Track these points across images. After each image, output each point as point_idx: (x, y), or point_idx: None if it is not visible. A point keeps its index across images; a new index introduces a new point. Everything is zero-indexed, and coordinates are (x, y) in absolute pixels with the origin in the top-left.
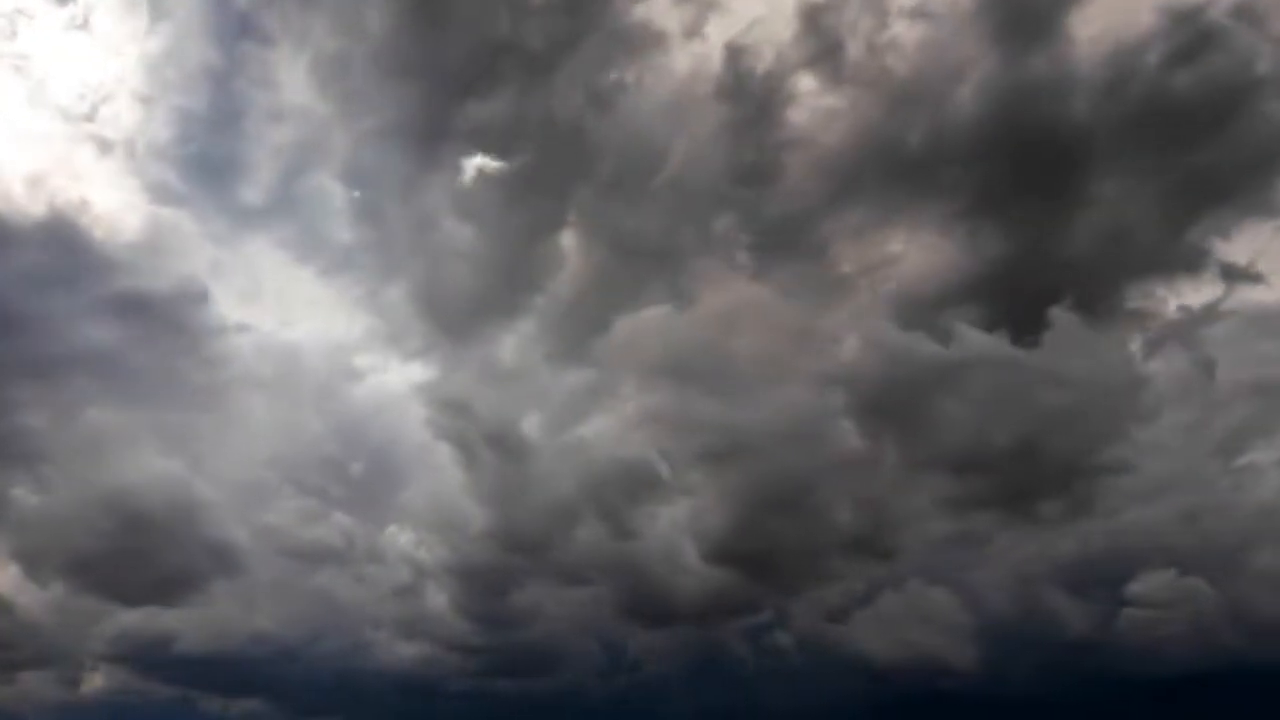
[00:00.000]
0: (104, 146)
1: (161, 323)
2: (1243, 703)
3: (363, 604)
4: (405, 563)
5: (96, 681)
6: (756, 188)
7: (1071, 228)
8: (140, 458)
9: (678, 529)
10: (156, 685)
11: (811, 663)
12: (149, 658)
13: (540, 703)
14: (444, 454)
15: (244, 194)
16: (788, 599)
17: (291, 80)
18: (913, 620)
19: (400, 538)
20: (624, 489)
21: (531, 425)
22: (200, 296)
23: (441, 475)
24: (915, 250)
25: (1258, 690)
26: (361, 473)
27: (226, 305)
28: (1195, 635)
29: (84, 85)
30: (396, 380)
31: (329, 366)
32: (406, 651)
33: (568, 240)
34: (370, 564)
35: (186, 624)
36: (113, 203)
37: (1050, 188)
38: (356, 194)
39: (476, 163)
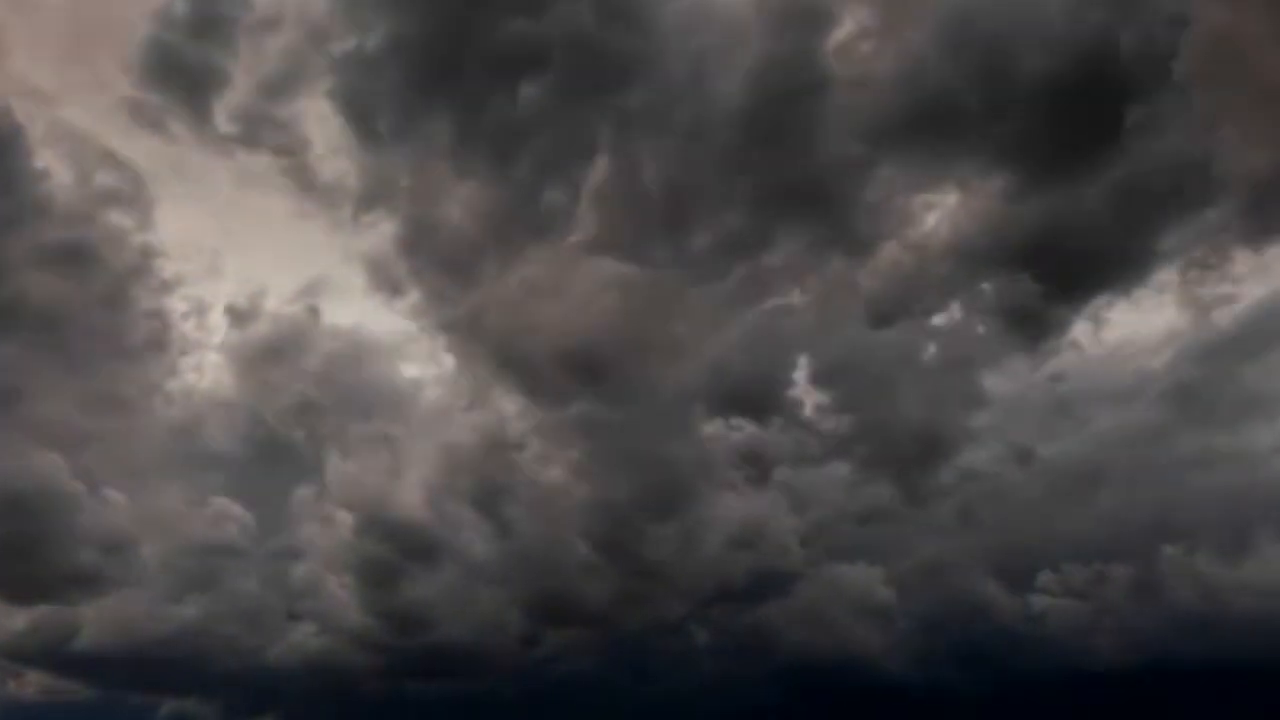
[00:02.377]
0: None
1: (102, 278)
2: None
3: (280, 598)
4: (316, 554)
5: (29, 682)
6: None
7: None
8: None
9: (558, 524)
10: (80, 685)
11: (729, 657)
12: (64, 656)
13: (458, 703)
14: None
15: (218, 115)
16: (693, 594)
17: None
18: (829, 611)
19: (308, 527)
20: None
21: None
22: (152, 250)
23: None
24: (948, 216)
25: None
26: (290, 451)
27: (185, 248)
28: (1123, 630)
29: None
30: (368, 347)
31: (292, 323)
32: (325, 648)
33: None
34: (285, 557)
35: (99, 621)
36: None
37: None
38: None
39: None
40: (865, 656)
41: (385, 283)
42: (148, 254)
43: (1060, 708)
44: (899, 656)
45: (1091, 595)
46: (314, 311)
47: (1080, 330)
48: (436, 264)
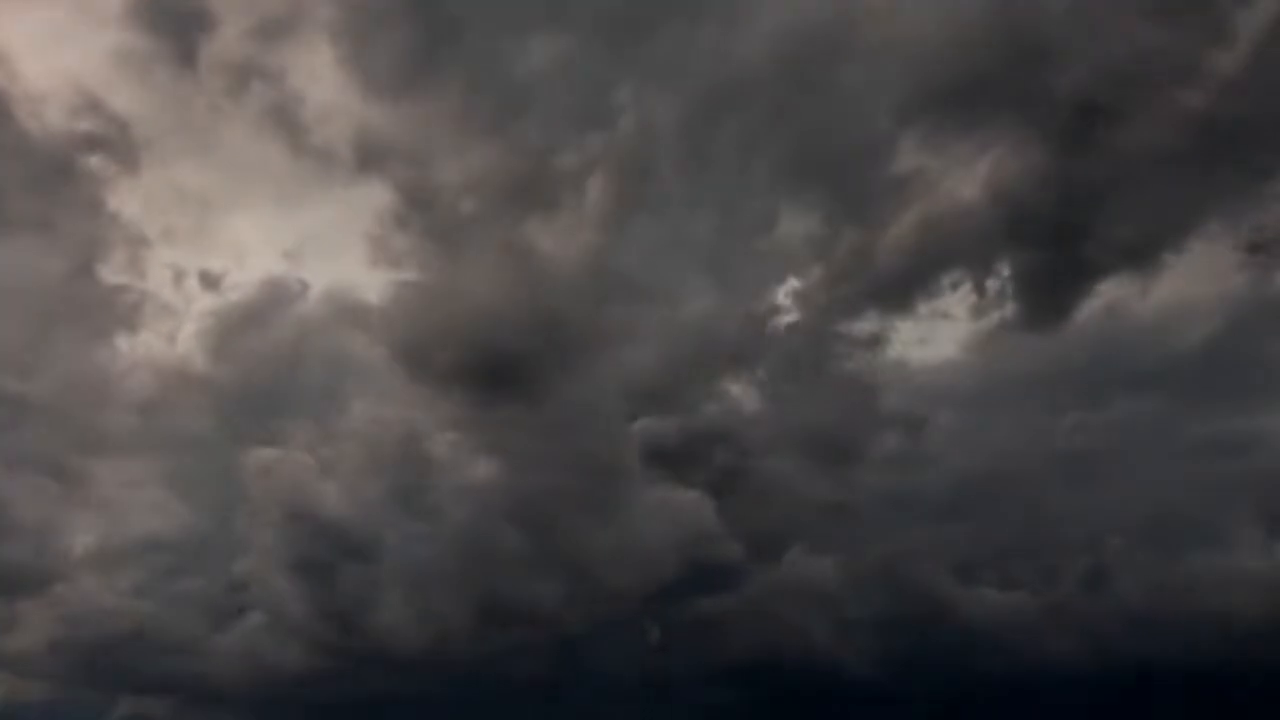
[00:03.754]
0: None
1: (72, 240)
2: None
3: (227, 593)
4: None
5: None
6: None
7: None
8: None
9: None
10: (36, 683)
11: (679, 656)
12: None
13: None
14: None
15: (203, 60)
16: (639, 593)
17: None
18: (775, 606)
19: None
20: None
21: None
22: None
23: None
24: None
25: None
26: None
27: (162, 210)
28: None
29: None
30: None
31: (272, 286)
32: (274, 644)
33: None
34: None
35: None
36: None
37: None
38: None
39: None
40: (815, 650)
41: (380, 252)
42: (121, 217)
43: (1020, 706)
44: (849, 651)
45: (1047, 592)
46: (300, 280)
47: (1096, 308)
48: (428, 235)
